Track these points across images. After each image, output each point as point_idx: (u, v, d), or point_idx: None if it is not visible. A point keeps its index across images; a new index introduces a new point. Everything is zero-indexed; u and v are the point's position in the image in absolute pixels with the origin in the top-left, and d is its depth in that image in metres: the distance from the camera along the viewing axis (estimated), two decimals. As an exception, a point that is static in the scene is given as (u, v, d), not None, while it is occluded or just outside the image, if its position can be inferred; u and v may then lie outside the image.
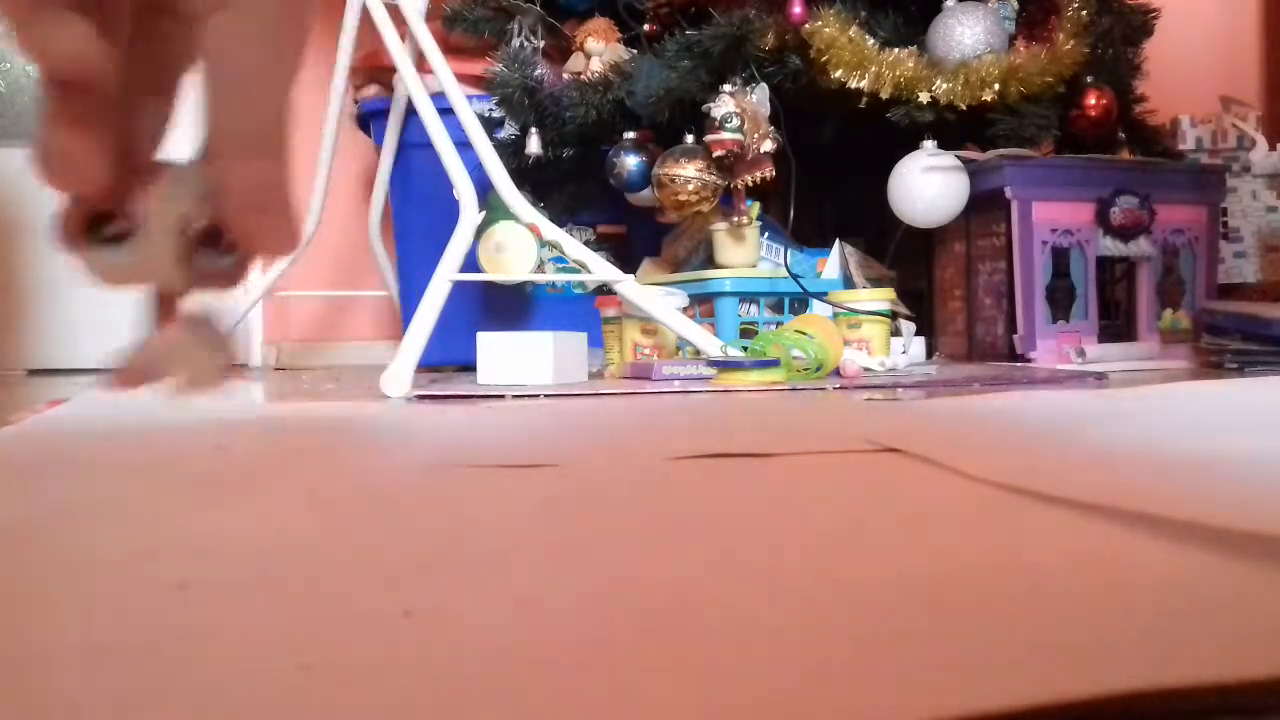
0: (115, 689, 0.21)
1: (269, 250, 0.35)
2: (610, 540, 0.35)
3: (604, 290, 1.60)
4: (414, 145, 2.01)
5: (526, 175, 1.78)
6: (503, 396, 1.12)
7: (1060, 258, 1.70)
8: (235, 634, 0.25)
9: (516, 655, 0.22)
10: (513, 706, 0.19)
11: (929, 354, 1.78)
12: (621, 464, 0.54)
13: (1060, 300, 1.70)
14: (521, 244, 1.68)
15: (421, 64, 1.68)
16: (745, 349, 1.39)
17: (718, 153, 1.58)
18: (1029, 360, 1.64)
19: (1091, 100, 1.72)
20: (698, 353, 1.42)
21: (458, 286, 1.37)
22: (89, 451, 0.63)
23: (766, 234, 1.76)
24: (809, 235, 1.93)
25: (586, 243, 1.93)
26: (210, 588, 0.29)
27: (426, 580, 0.29)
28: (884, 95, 1.60)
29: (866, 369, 1.41)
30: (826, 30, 1.59)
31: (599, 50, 1.79)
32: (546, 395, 1.13)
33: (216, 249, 0.36)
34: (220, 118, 0.33)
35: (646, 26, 1.82)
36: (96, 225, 0.35)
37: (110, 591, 0.29)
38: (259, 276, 2.24)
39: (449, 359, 1.91)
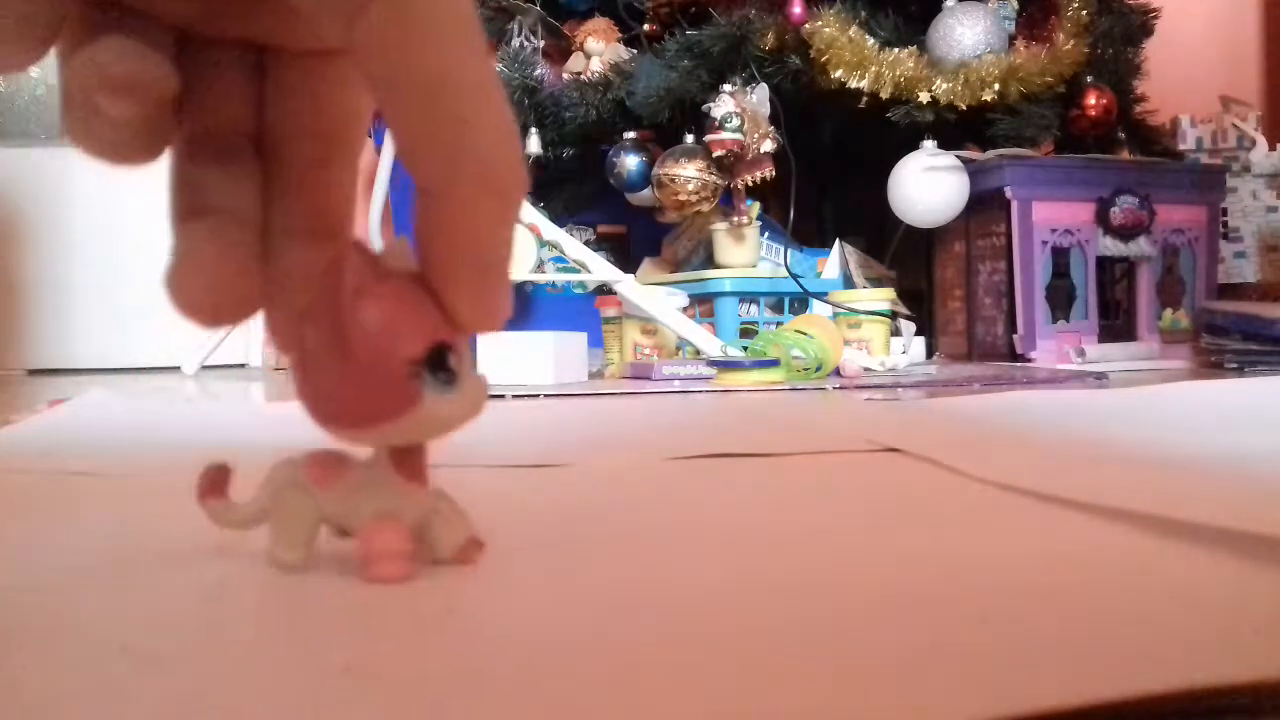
0: (155, 695, 0.21)
1: (481, 324, 0.27)
2: (622, 542, 0.35)
3: (604, 290, 1.60)
4: (414, 145, 2.01)
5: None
6: (503, 396, 1.12)
7: (1060, 258, 1.70)
8: (274, 635, 0.25)
9: (554, 655, 0.22)
10: (548, 706, 0.19)
11: (929, 354, 1.78)
12: (624, 464, 0.54)
13: (1060, 300, 1.70)
14: (521, 244, 1.68)
15: (421, 64, 1.67)
16: (745, 349, 1.39)
17: (718, 153, 1.58)
18: (1029, 360, 1.64)
19: (1091, 100, 1.72)
20: (698, 353, 1.42)
21: (458, 286, 1.37)
22: (125, 454, 0.63)
23: (766, 234, 1.76)
24: (809, 235, 1.93)
25: (586, 243, 1.93)
26: (244, 589, 0.29)
27: (460, 578, 0.29)
28: (884, 95, 1.60)
29: (866, 369, 1.41)
30: (826, 30, 1.59)
31: (599, 50, 1.79)
32: (546, 395, 1.13)
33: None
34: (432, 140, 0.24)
35: (646, 26, 1.82)
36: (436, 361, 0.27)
37: (141, 593, 0.29)
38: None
39: (449, 359, 1.90)
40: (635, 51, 1.79)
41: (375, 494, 0.29)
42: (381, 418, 0.26)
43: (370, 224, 2.31)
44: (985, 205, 1.70)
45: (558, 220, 1.65)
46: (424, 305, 0.27)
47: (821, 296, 1.57)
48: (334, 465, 0.29)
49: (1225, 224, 2.05)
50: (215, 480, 0.31)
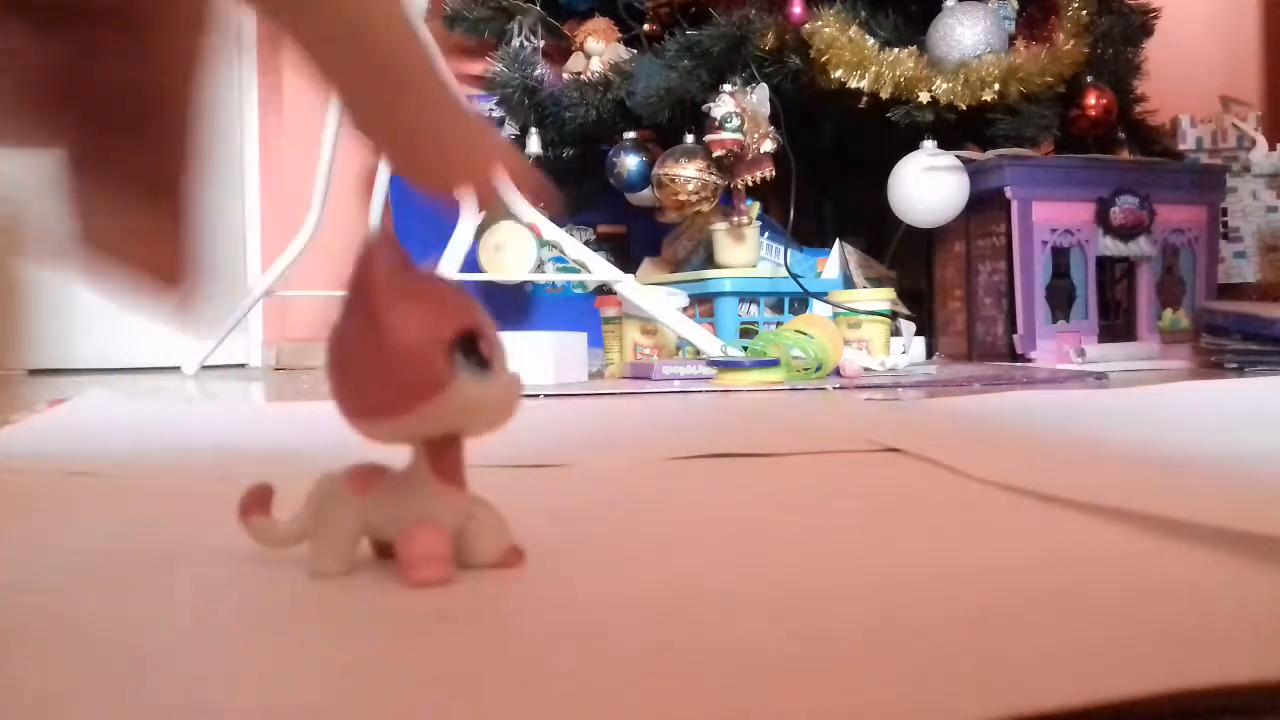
0: (155, 695, 0.21)
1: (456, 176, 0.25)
2: (622, 542, 0.35)
3: (604, 290, 1.60)
4: (414, 145, 2.01)
5: (526, 175, 1.78)
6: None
7: (1060, 258, 1.70)
8: (274, 636, 0.25)
9: (553, 656, 0.22)
10: (547, 706, 0.19)
11: (929, 354, 1.78)
12: (624, 464, 0.54)
13: (1060, 300, 1.70)
14: (521, 244, 1.68)
15: (421, 64, 1.67)
16: (745, 349, 1.39)
17: (718, 153, 1.58)
18: (1029, 360, 1.64)
19: (1091, 100, 1.72)
20: (698, 353, 1.42)
21: (458, 286, 1.37)
22: (125, 454, 0.63)
23: (766, 234, 1.76)
24: (809, 235, 1.93)
25: (586, 243, 1.93)
26: (245, 589, 0.29)
27: (460, 580, 0.29)
28: (884, 95, 1.60)
29: (866, 369, 1.41)
30: (826, 30, 1.59)
31: (599, 50, 1.79)
32: (546, 395, 1.13)
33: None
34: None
35: (646, 26, 1.82)
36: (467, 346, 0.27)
37: (141, 593, 0.29)
38: (259, 276, 2.24)
39: (449, 359, 1.90)
40: (635, 51, 1.79)
41: (415, 499, 0.29)
42: (415, 400, 0.27)
43: (370, 224, 2.32)
44: (985, 205, 1.70)
45: (558, 220, 1.65)
46: (452, 294, 0.28)
47: (821, 296, 1.57)
48: (374, 474, 0.30)
49: (1225, 224, 2.05)
50: (258, 498, 0.31)
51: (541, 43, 1.85)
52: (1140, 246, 1.72)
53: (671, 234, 1.90)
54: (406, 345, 0.27)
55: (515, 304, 2.00)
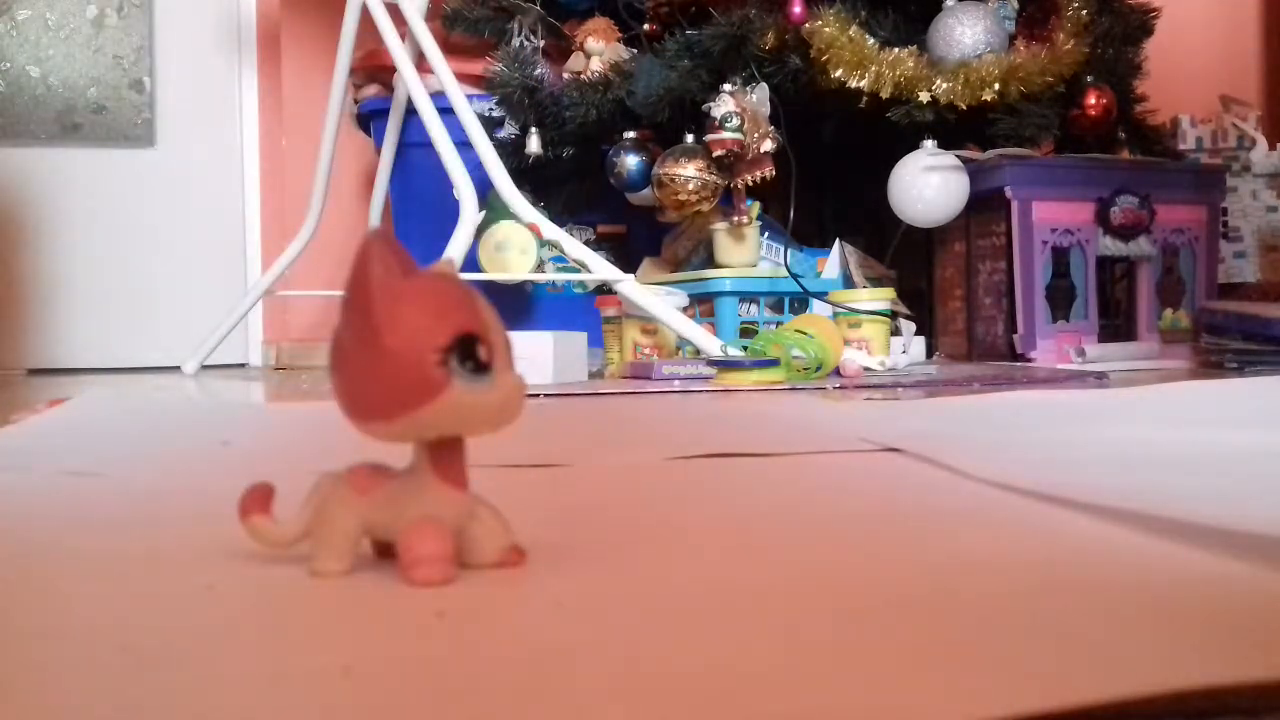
0: (155, 695, 0.21)
1: None
2: (622, 542, 0.35)
3: (604, 290, 1.60)
4: (414, 145, 2.01)
5: (526, 175, 1.78)
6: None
7: (1060, 258, 1.70)
8: (274, 636, 0.25)
9: (552, 655, 0.22)
10: (547, 707, 0.19)
11: (929, 354, 1.77)
12: (624, 464, 0.54)
13: (1060, 300, 1.70)
14: (521, 244, 1.68)
15: (421, 64, 1.67)
16: (745, 349, 1.39)
17: (718, 152, 1.58)
18: (1029, 360, 1.64)
19: (1091, 100, 1.72)
20: (698, 352, 1.42)
21: (458, 286, 1.37)
22: (125, 454, 0.63)
23: (766, 234, 1.76)
24: (809, 235, 1.93)
25: (586, 242, 1.93)
26: (245, 590, 0.29)
27: (460, 580, 0.29)
28: (884, 95, 1.60)
29: (866, 369, 1.41)
30: (826, 30, 1.59)
31: (599, 50, 1.79)
32: (546, 395, 1.12)
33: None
34: None
35: (646, 26, 1.82)
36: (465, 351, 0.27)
37: (141, 592, 0.29)
38: (259, 276, 2.24)
39: (449, 359, 1.90)
40: (635, 51, 1.79)
41: (416, 499, 0.29)
42: (410, 405, 0.27)
43: (370, 224, 2.32)
44: (985, 205, 1.70)
45: (558, 220, 1.65)
46: (451, 297, 0.27)
47: (821, 296, 1.57)
48: (375, 474, 0.30)
49: (1225, 224, 2.05)
50: (258, 498, 0.31)
51: (541, 43, 1.85)
52: (1140, 246, 1.72)
53: (671, 234, 1.90)
54: (399, 351, 0.27)
55: (515, 304, 2.00)
